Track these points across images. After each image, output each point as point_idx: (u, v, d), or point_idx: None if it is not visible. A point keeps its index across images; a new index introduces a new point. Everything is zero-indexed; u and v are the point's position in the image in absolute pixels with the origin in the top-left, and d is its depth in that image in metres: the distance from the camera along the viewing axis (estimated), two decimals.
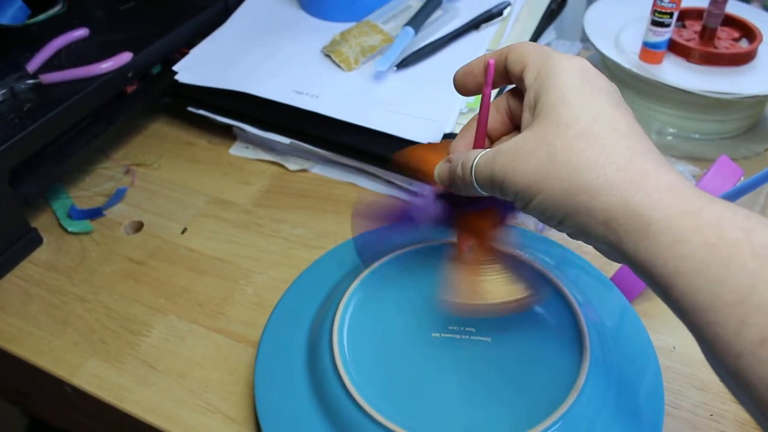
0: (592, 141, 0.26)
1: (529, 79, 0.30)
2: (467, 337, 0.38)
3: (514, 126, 0.35)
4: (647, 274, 0.25)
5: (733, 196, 0.42)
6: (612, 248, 0.26)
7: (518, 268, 0.41)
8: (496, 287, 0.37)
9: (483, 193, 0.31)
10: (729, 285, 0.22)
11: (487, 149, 0.31)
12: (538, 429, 0.34)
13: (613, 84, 0.30)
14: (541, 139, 0.28)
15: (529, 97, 0.30)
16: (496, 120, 0.35)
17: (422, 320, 0.39)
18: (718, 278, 0.23)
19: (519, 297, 0.37)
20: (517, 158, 0.28)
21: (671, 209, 0.24)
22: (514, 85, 0.34)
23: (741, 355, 0.22)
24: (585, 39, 0.83)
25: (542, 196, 0.27)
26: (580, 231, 0.27)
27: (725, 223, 0.23)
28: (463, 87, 0.35)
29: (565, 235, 0.42)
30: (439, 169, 0.34)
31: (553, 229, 0.51)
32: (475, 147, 0.35)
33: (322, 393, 0.37)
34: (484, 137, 0.34)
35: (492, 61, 0.32)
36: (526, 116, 0.30)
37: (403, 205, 0.40)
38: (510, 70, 0.32)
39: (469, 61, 0.34)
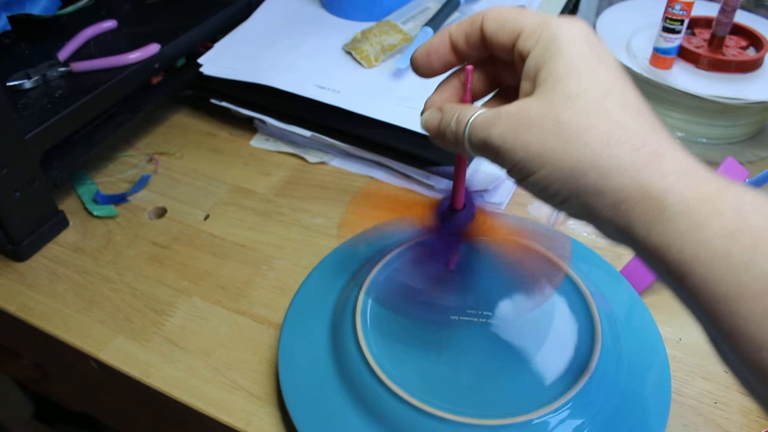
0: (604, 117, 0.25)
1: (526, 47, 0.28)
2: (484, 320, 0.40)
3: (496, 86, 0.33)
4: (659, 261, 0.24)
5: None
6: (620, 232, 0.25)
7: (531, 258, 0.43)
8: None
9: (472, 153, 0.29)
10: (753, 273, 0.21)
11: (484, 109, 0.28)
12: (550, 408, 0.35)
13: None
14: (546, 109, 0.25)
15: (528, 66, 0.27)
16: (477, 78, 0.32)
17: (442, 304, 0.41)
18: (740, 266, 0.21)
19: None
20: (519, 126, 0.26)
21: (688, 192, 0.23)
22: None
23: (765, 347, 0.21)
24: None
25: (545, 171, 0.25)
26: (586, 212, 0.26)
27: (746, 208, 0.22)
28: (427, 68, 0.32)
29: (576, 229, 0.44)
30: (429, 117, 0.31)
31: (566, 224, 0.53)
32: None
33: (345, 370, 0.39)
34: None
35: (471, 67, 0.31)
36: (525, 85, 0.28)
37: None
38: (493, 40, 0.29)
39: (427, 40, 0.32)
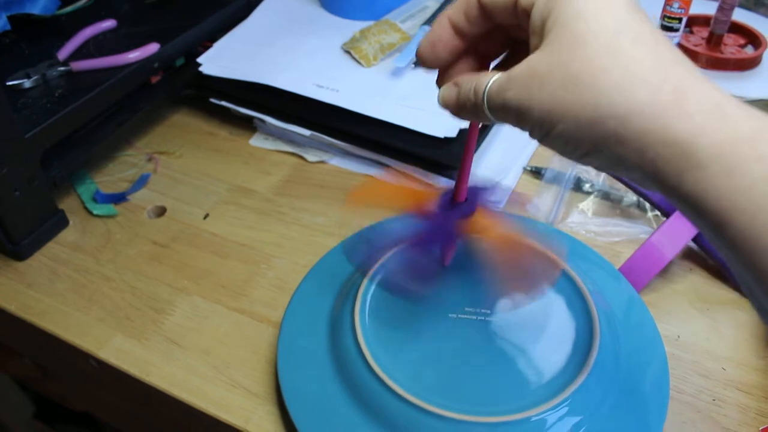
0: (616, 58, 0.23)
1: (526, 3, 0.26)
2: (482, 318, 0.40)
3: (511, 44, 0.31)
4: (694, 210, 0.22)
5: None
6: (651, 180, 0.23)
7: (528, 256, 0.43)
8: None
9: (495, 121, 0.28)
10: None
11: (498, 74, 0.27)
12: (548, 405, 0.36)
13: None
14: (555, 61, 0.24)
15: (533, 19, 0.26)
16: (491, 40, 0.31)
17: (440, 302, 0.41)
18: None
19: None
20: (530, 85, 0.25)
21: (721, 134, 0.21)
22: None
23: None
24: None
25: (562, 125, 0.24)
26: (612, 163, 0.24)
27: None
28: (434, 59, 0.31)
29: (574, 227, 0.44)
30: (446, 93, 0.30)
31: (564, 222, 0.53)
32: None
33: (344, 368, 0.39)
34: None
35: None
36: (533, 40, 0.26)
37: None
38: (492, 8, 0.28)
39: (430, 30, 0.30)
